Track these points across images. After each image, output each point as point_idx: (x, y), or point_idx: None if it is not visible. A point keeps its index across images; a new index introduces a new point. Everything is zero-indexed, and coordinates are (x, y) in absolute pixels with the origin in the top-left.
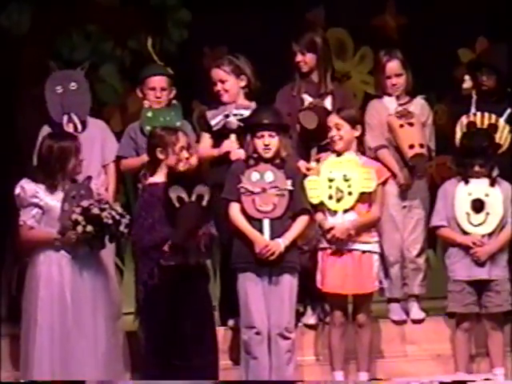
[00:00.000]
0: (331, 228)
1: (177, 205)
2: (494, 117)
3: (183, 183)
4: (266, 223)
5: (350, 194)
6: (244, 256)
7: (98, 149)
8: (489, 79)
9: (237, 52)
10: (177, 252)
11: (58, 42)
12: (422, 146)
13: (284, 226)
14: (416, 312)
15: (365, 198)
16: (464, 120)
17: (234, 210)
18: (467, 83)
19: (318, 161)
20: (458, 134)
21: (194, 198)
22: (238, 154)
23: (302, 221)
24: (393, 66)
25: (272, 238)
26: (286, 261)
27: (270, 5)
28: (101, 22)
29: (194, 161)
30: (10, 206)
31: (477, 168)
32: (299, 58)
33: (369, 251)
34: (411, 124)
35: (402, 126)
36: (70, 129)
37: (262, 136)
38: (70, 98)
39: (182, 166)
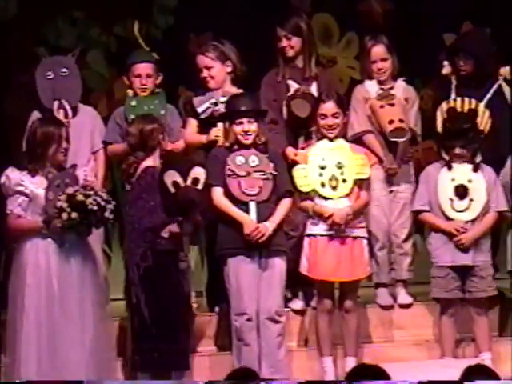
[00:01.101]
0: (331, 215)
1: (172, 190)
2: (474, 102)
3: (178, 167)
4: (253, 206)
5: (344, 181)
6: (232, 241)
7: (88, 136)
8: (466, 64)
9: (222, 38)
10: (175, 239)
11: (44, 29)
12: (401, 121)
13: (269, 209)
14: (403, 297)
15: (357, 183)
16: (444, 105)
17: (218, 194)
18: (446, 68)
19: (303, 149)
20: (439, 120)
21: (189, 181)
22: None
23: (286, 203)
24: (378, 50)
25: (259, 221)
26: (275, 244)
27: None
28: (87, 9)
29: (180, 145)
30: None
31: (458, 150)
32: (284, 42)
33: (359, 237)
34: (392, 104)
35: (382, 106)
36: (60, 115)
37: (241, 123)
38: (60, 84)
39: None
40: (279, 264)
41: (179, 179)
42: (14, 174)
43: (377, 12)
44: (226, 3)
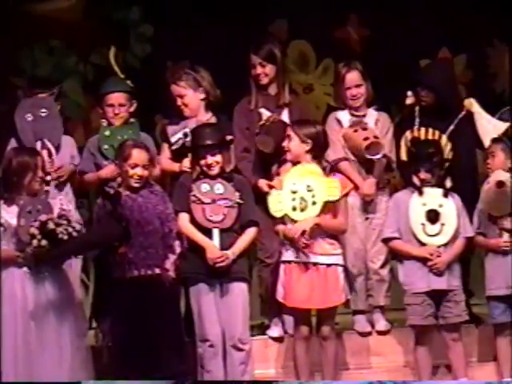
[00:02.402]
0: (294, 227)
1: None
2: (437, 133)
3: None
4: (216, 233)
5: (314, 203)
6: (194, 266)
7: (67, 164)
8: (427, 96)
9: (198, 65)
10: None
11: (20, 58)
12: (376, 137)
13: (232, 237)
14: (381, 323)
15: (329, 208)
16: (408, 135)
17: (184, 220)
18: (410, 99)
19: (278, 174)
20: (403, 148)
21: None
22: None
23: (250, 233)
24: (352, 76)
25: (222, 247)
26: (236, 271)
27: (232, 17)
28: (63, 37)
29: (155, 172)
30: None
31: (423, 175)
32: (259, 70)
33: (334, 264)
34: (365, 128)
35: (356, 130)
36: (44, 155)
37: (205, 157)
38: (41, 124)
39: (133, 183)
40: (240, 291)
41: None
42: None
43: (353, 39)
44: (203, 31)
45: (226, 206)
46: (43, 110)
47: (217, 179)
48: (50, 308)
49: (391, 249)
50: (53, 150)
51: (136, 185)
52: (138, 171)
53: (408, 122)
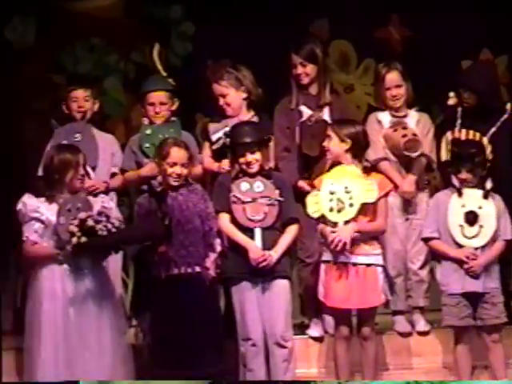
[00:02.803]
0: (334, 233)
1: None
2: (478, 134)
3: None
4: (258, 232)
5: (351, 205)
6: (237, 266)
7: (108, 162)
8: (470, 97)
9: (239, 64)
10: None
11: (61, 55)
12: (415, 135)
13: (274, 235)
14: (421, 324)
15: (367, 210)
16: (449, 135)
17: (225, 220)
18: (452, 99)
19: (318, 175)
20: (443, 149)
21: (160, 213)
22: None
23: (291, 230)
24: (392, 77)
25: (264, 246)
26: (278, 270)
27: (273, 16)
28: (105, 35)
29: (197, 171)
30: (14, 219)
31: (464, 175)
32: (299, 69)
33: (373, 264)
34: (405, 128)
35: (395, 130)
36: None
37: (244, 154)
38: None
39: (172, 181)
40: (283, 289)
41: (156, 208)
42: (30, 201)
43: (395, 39)
44: (244, 29)
45: (267, 204)
46: (76, 135)
47: (256, 177)
48: (90, 305)
49: (430, 248)
50: (91, 173)
51: (175, 183)
52: (177, 169)
53: (449, 123)
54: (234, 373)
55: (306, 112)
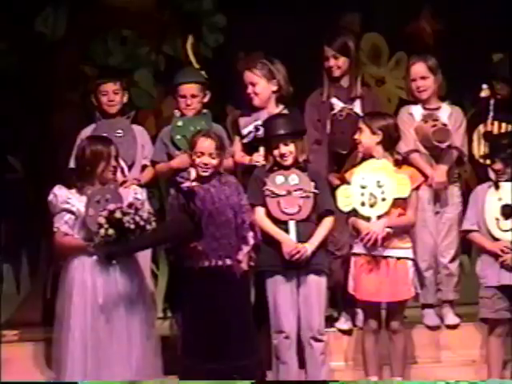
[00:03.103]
0: (367, 229)
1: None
2: (510, 127)
3: (184, 195)
4: (292, 225)
5: (383, 200)
6: (271, 259)
7: (138, 154)
8: (502, 89)
9: (272, 57)
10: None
11: (93, 47)
12: (445, 125)
13: (309, 228)
14: (451, 318)
15: (398, 203)
16: (481, 128)
17: (260, 213)
18: (485, 91)
19: (349, 168)
20: (475, 143)
21: (190, 211)
22: None
23: (327, 223)
24: (417, 68)
25: (298, 239)
26: (314, 263)
27: (305, 9)
28: (136, 27)
29: (228, 163)
30: (44, 211)
31: (498, 165)
32: (332, 62)
33: (403, 258)
34: (436, 120)
35: (426, 121)
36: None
37: (278, 146)
38: (116, 144)
39: (201, 171)
40: (318, 283)
41: (186, 204)
42: (61, 192)
43: (426, 32)
44: (276, 22)
45: (301, 197)
46: (119, 131)
47: (291, 170)
48: (119, 297)
49: (469, 241)
50: (126, 170)
51: (203, 173)
52: (204, 159)
53: (481, 116)
54: (265, 365)
55: (338, 104)
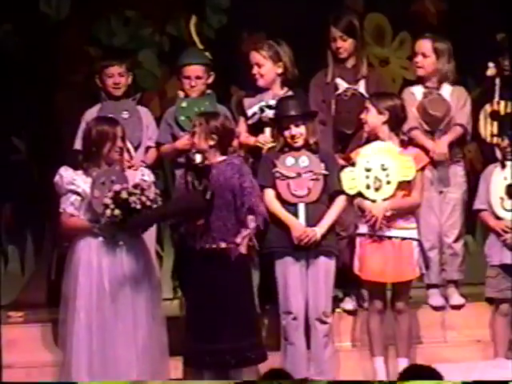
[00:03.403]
0: (369, 211)
1: (190, 187)
2: None
3: (195, 168)
4: (302, 207)
5: (388, 182)
6: (281, 240)
7: (144, 135)
8: (510, 65)
9: (275, 37)
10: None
11: (96, 28)
12: (439, 95)
13: (319, 210)
14: (455, 298)
15: (403, 185)
16: (487, 108)
17: (269, 195)
18: (491, 70)
19: (354, 149)
20: (482, 122)
21: (202, 186)
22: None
23: (338, 204)
24: (422, 44)
25: (307, 222)
26: (323, 245)
27: None
28: (139, 8)
29: (234, 144)
30: (49, 192)
31: (505, 142)
32: (339, 43)
33: (408, 238)
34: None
35: (425, 97)
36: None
37: (289, 127)
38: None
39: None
40: (327, 265)
41: (195, 181)
42: (66, 173)
43: (430, 12)
44: (277, 2)
45: (311, 179)
46: (125, 113)
47: (301, 151)
48: (125, 277)
49: (480, 221)
50: (132, 150)
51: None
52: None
53: (488, 95)
54: (268, 347)
55: (342, 85)
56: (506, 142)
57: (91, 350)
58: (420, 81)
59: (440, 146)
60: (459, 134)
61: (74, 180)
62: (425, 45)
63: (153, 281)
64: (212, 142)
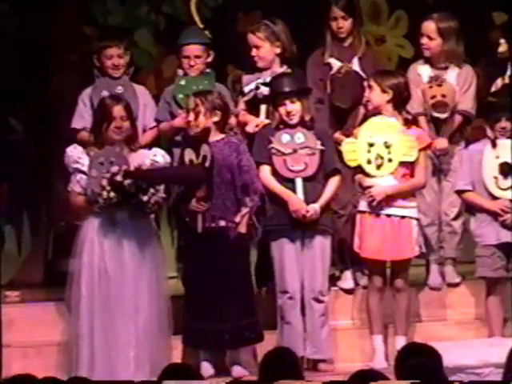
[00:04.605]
0: (370, 187)
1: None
2: None
3: (193, 145)
4: (299, 182)
5: (390, 160)
6: (277, 218)
7: (140, 112)
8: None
9: (271, 16)
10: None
11: (92, 7)
12: (443, 96)
13: (316, 187)
14: (452, 276)
15: (404, 163)
16: (499, 82)
17: (265, 172)
18: (503, 47)
19: (353, 126)
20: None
21: (200, 159)
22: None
23: (334, 182)
24: (426, 25)
25: (306, 198)
26: (320, 223)
27: None
28: None
29: (233, 122)
30: (46, 171)
31: (503, 123)
32: (341, 23)
33: (407, 216)
34: (440, 85)
35: (430, 86)
36: None
37: (284, 104)
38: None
39: (192, 131)
40: (323, 244)
41: (193, 157)
42: (73, 152)
43: None
44: None
45: (308, 155)
46: (119, 88)
47: (297, 128)
48: (127, 258)
49: (464, 201)
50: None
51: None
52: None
53: (499, 72)
54: (267, 326)
55: (336, 64)
56: (505, 122)
57: (93, 329)
58: (427, 60)
59: (441, 142)
60: (460, 121)
61: (79, 159)
62: (429, 26)
63: (155, 261)
64: (216, 118)
